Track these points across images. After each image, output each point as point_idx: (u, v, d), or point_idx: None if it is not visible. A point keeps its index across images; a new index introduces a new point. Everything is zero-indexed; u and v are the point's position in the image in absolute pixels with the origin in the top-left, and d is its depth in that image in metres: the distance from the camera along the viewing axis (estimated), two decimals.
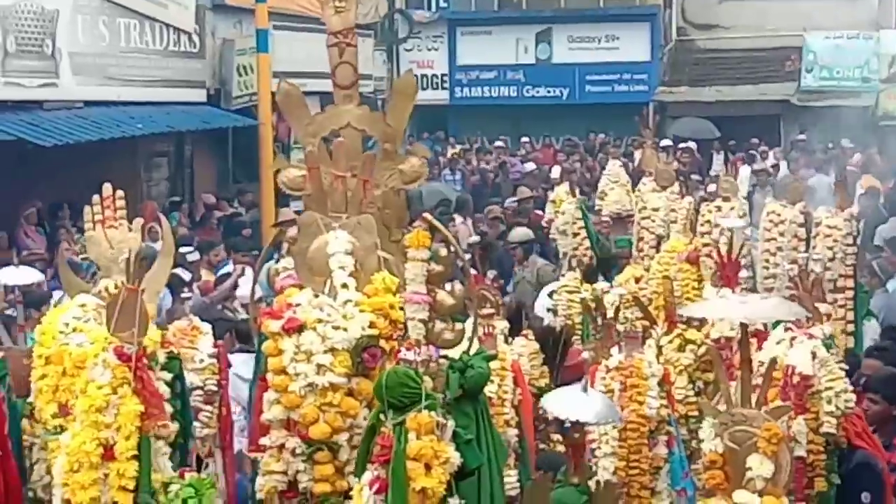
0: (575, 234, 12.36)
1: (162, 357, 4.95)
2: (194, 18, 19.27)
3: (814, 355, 6.06)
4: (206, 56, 19.76)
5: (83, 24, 16.60)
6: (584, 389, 5.33)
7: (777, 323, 6.27)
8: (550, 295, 10.50)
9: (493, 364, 6.55)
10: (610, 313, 7.67)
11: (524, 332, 7.37)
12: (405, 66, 31.18)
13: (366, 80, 22.84)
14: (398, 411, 4.60)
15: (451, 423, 4.59)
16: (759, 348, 6.20)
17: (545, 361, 7.35)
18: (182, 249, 13.46)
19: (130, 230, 5.83)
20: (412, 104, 5.69)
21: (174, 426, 4.86)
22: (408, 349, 4.74)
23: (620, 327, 7.46)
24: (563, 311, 9.93)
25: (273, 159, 16.72)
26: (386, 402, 4.61)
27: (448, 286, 5.11)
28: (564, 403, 5.27)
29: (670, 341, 7.30)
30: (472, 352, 5.10)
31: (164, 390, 4.90)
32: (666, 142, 21.52)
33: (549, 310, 10.23)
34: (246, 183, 20.14)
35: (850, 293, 9.99)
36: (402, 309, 5.01)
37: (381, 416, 4.66)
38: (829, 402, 6.02)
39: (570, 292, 10.09)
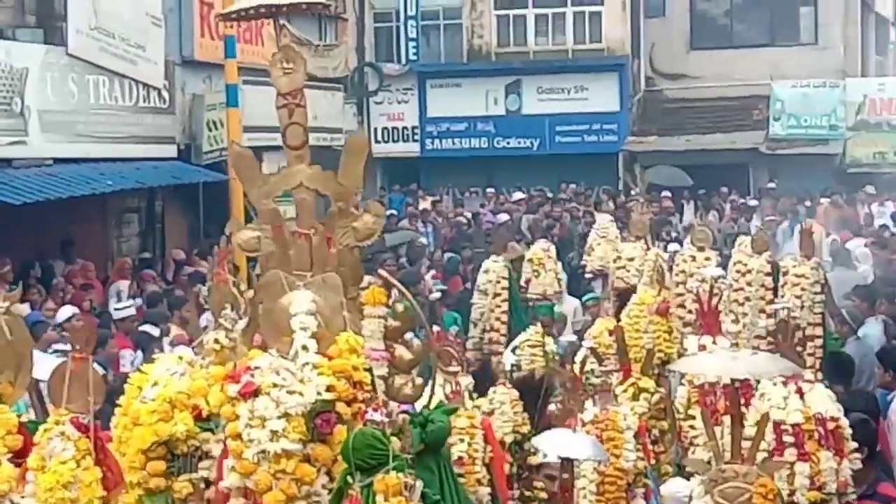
0: (496, 295, 11.97)
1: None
2: (163, 74, 19.29)
3: (830, 398, 6.12)
4: (175, 112, 19.76)
5: (52, 81, 16.58)
6: (574, 430, 5.38)
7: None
8: (514, 350, 10.48)
9: (463, 422, 6.54)
10: (577, 367, 7.67)
11: (500, 381, 7.34)
12: (375, 119, 31.36)
13: (336, 134, 22.88)
14: (365, 473, 4.54)
15: (419, 484, 4.54)
16: (747, 402, 6.22)
17: (525, 408, 7.31)
18: (144, 327, 13.32)
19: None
20: (363, 162, 5.71)
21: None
22: (375, 409, 4.68)
23: (596, 380, 7.46)
24: (527, 366, 9.89)
25: (244, 215, 16.72)
26: (353, 463, 4.56)
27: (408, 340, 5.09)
28: (555, 442, 5.30)
29: (624, 390, 7.32)
30: (432, 406, 5.08)
31: None
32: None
33: (512, 365, 10.20)
34: (217, 238, 20.08)
35: (819, 341, 10.02)
36: (368, 370, 4.93)
37: (349, 479, 4.60)
38: (849, 439, 6.09)
39: (534, 346, 10.06)
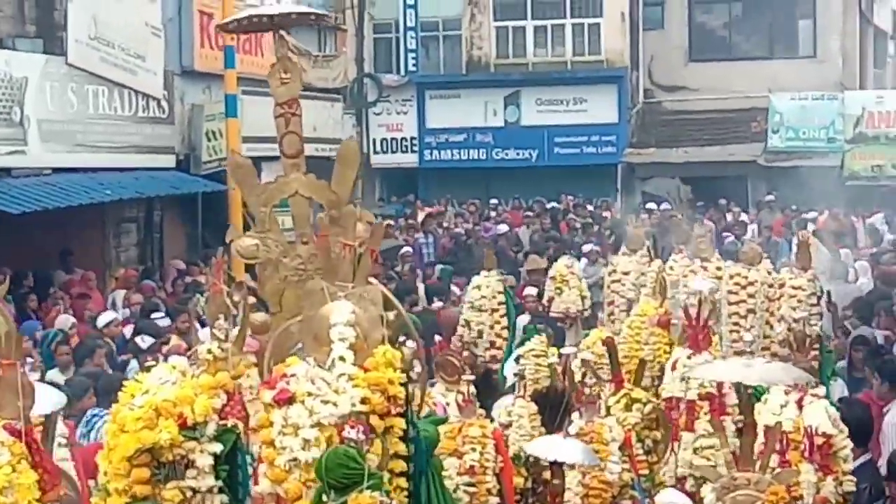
0: (493, 311, 11.66)
1: (211, 428, 4.90)
2: (163, 84, 19.31)
3: (828, 415, 6.11)
4: (174, 122, 19.78)
5: (51, 91, 16.60)
6: (565, 436, 5.41)
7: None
8: (517, 360, 10.47)
9: (475, 431, 6.56)
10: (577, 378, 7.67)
11: (519, 394, 7.35)
12: (374, 129, 31.39)
13: (335, 145, 22.84)
14: (339, 492, 4.53)
15: (394, 503, 4.53)
16: (714, 410, 6.24)
17: (542, 423, 7.29)
18: (154, 315, 13.46)
19: None
20: (355, 170, 5.78)
21: (221, 498, 4.80)
22: (352, 427, 4.67)
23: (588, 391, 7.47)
24: (531, 376, 9.89)
25: (243, 224, 16.72)
26: (326, 482, 4.55)
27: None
28: (546, 447, 5.35)
29: (617, 401, 7.33)
30: (421, 415, 5.09)
31: (209, 462, 4.87)
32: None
33: (515, 374, 10.20)
34: (215, 248, 20.10)
35: (815, 353, 10.01)
36: (403, 385, 4.94)
37: (323, 497, 4.59)
38: (846, 460, 6.06)
39: (537, 356, 10.05)
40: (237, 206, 18.45)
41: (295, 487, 4.82)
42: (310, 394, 4.89)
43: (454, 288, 15.41)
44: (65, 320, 13.09)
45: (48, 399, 5.31)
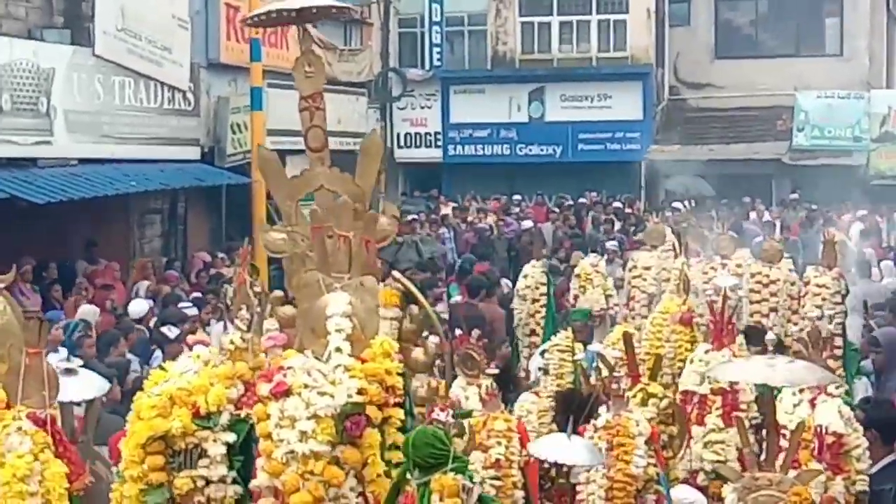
0: (535, 301, 11.86)
1: (225, 418, 4.92)
2: (189, 76, 19.37)
3: (840, 414, 6.08)
4: (200, 114, 19.84)
5: (78, 82, 16.68)
6: (569, 437, 5.38)
7: None
8: (542, 354, 10.48)
9: (501, 425, 6.58)
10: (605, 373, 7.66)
11: (535, 390, 7.36)
12: (399, 124, 31.41)
13: (360, 139, 22.83)
14: (423, 471, 4.54)
15: (477, 488, 4.52)
16: (726, 406, 6.23)
17: (556, 420, 7.28)
18: (181, 304, 13.53)
19: None
20: (378, 164, 5.81)
21: (234, 489, 4.82)
22: (442, 410, 4.69)
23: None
24: (555, 371, 9.90)
25: (266, 217, 16.78)
26: (412, 460, 4.55)
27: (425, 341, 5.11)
28: (550, 448, 5.33)
29: (633, 395, 7.32)
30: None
31: (221, 451, 4.90)
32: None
33: (540, 368, 10.22)
34: (238, 240, 20.16)
35: (839, 352, 10.01)
36: (401, 375, 4.94)
37: (407, 475, 4.60)
38: (859, 459, 6.04)
39: (562, 351, 10.05)
40: (261, 198, 18.52)
41: (292, 480, 4.79)
42: (306, 385, 4.85)
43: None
44: (86, 311, 13.14)
45: (91, 384, 5.37)
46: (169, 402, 4.98)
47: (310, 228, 5.52)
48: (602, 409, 6.77)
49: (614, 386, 7.24)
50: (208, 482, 4.99)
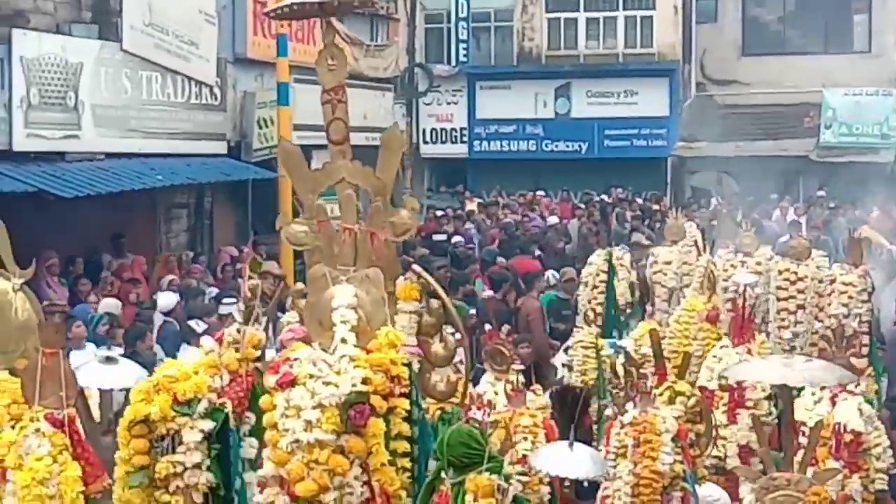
0: (594, 287, 12.04)
1: (203, 405, 4.94)
2: (216, 71, 19.42)
3: (860, 412, 6.06)
4: (226, 109, 19.90)
5: (106, 76, 16.76)
6: (570, 446, 5.32)
7: None
8: (566, 350, 10.49)
9: (526, 420, 6.58)
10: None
11: (532, 387, 7.37)
12: (424, 119, 31.43)
13: None
14: (458, 470, 4.50)
15: (512, 489, 4.49)
16: (732, 402, 6.22)
17: (555, 417, 7.31)
18: (224, 300, 13.51)
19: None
20: (399, 157, 5.83)
21: (207, 476, 4.84)
22: (478, 409, 4.68)
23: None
24: (579, 367, 9.91)
25: (292, 212, 16.80)
26: (447, 459, 4.53)
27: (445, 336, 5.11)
28: (551, 459, 5.28)
29: (660, 394, 7.32)
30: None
31: (196, 438, 4.91)
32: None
33: (563, 365, 10.22)
34: (264, 235, 20.22)
35: (865, 350, 9.96)
36: (407, 365, 4.95)
37: (442, 474, 4.58)
38: (879, 458, 6.02)
39: (586, 348, 10.06)
40: (287, 193, 18.50)
41: (297, 469, 4.83)
42: (311, 376, 4.90)
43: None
44: (108, 304, 13.16)
45: (130, 374, 5.41)
46: (153, 388, 5.02)
47: (318, 223, 5.56)
48: (629, 406, 6.76)
49: (641, 383, 7.25)
50: (185, 468, 5.01)
